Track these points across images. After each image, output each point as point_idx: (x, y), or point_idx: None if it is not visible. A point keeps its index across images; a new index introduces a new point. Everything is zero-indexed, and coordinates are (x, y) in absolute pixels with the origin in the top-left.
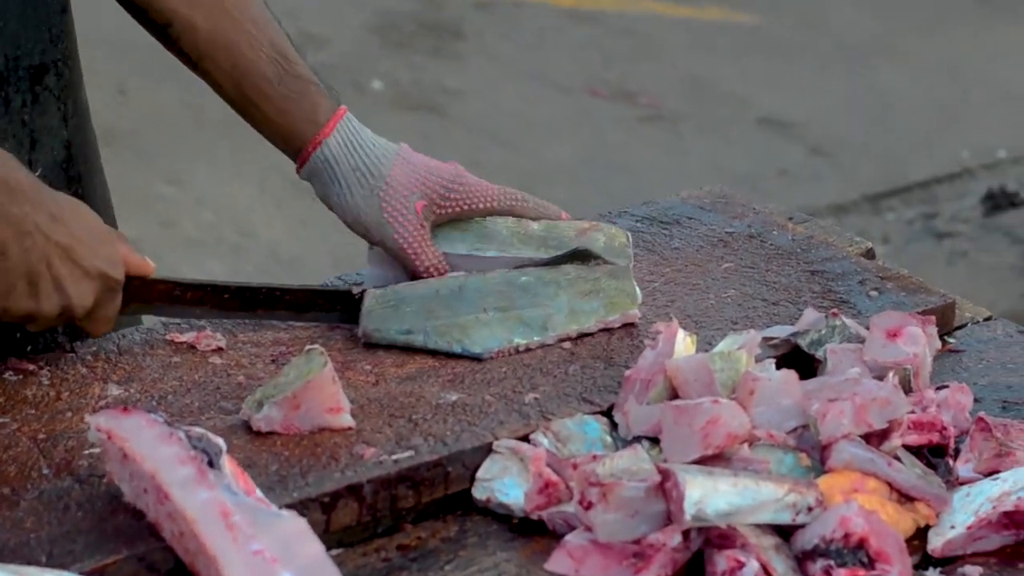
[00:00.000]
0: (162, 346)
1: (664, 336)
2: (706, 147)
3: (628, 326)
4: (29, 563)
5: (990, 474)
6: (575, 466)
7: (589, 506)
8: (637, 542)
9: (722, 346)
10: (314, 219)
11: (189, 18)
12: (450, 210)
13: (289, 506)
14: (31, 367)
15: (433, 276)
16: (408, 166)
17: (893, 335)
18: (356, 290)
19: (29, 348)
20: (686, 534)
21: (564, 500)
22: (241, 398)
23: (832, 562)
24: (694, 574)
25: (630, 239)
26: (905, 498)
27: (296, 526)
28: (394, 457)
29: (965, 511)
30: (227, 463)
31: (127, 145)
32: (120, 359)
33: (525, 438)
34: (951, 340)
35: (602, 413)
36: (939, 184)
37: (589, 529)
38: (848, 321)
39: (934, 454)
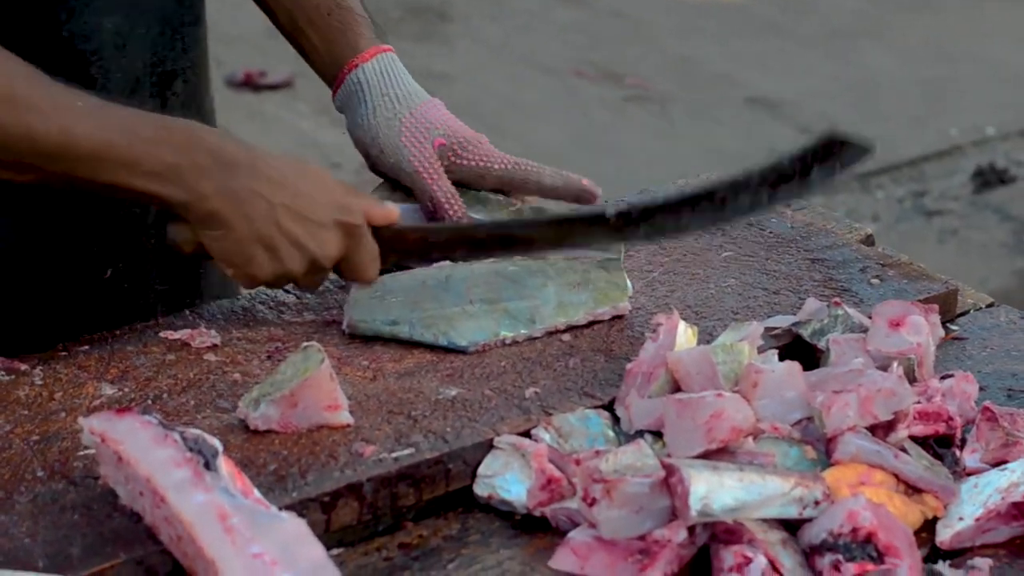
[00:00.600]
0: (155, 344)
1: (665, 328)
2: (695, 128)
3: (620, 317)
4: (25, 568)
5: (997, 464)
6: (578, 462)
7: (593, 502)
8: (642, 538)
9: (724, 338)
10: None
11: None
12: (465, 162)
13: (288, 506)
14: (23, 367)
15: (447, 206)
16: (436, 110)
17: (896, 324)
18: (609, 211)
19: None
20: (692, 530)
21: (567, 496)
22: (237, 396)
23: (840, 556)
24: (700, 570)
25: None
26: (912, 490)
27: (296, 528)
28: (394, 455)
29: (973, 502)
30: (224, 464)
31: None
32: (113, 358)
33: (526, 433)
34: (954, 328)
35: (603, 407)
36: (928, 162)
37: (593, 526)
38: (850, 310)
39: (940, 444)
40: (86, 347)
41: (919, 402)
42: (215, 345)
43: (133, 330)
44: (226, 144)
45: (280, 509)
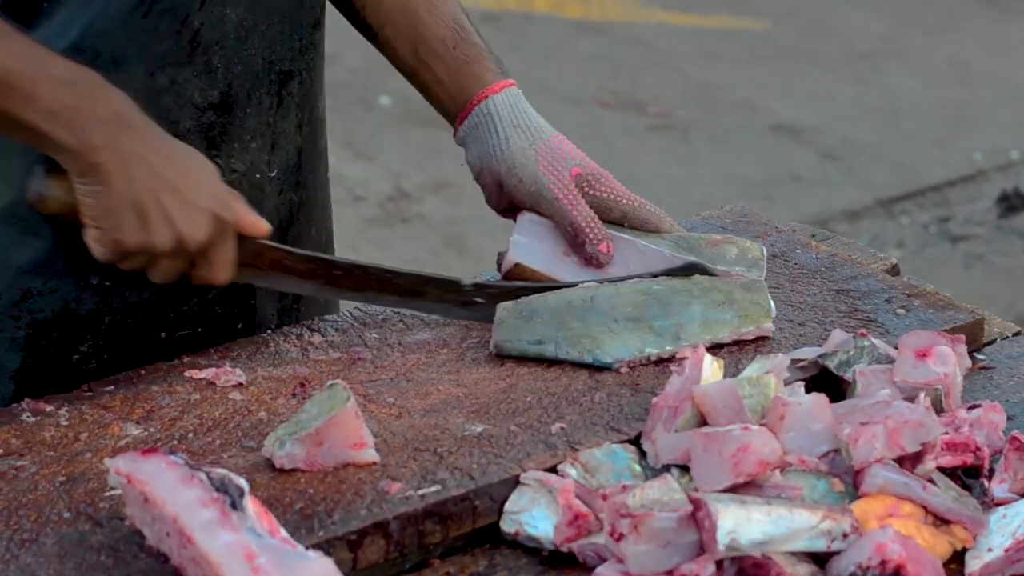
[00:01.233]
0: (181, 383)
1: (691, 361)
2: (717, 155)
3: None
4: None
5: None
6: (605, 497)
7: (620, 537)
8: (670, 573)
9: (750, 370)
10: None
11: None
12: (597, 193)
13: (315, 545)
14: (48, 408)
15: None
16: (566, 143)
17: (923, 355)
18: (466, 281)
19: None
20: (720, 564)
21: (594, 531)
22: (263, 435)
23: None
24: None
25: (764, 252)
26: (941, 521)
27: (323, 567)
28: (420, 492)
29: (1002, 533)
30: (250, 503)
31: None
32: (138, 398)
33: (553, 469)
34: (981, 357)
35: (630, 441)
36: (952, 187)
37: (621, 561)
38: (876, 341)
39: (968, 475)
40: (111, 387)
41: (946, 433)
42: (240, 384)
43: (158, 370)
44: (130, 108)
45: (307, 548)
